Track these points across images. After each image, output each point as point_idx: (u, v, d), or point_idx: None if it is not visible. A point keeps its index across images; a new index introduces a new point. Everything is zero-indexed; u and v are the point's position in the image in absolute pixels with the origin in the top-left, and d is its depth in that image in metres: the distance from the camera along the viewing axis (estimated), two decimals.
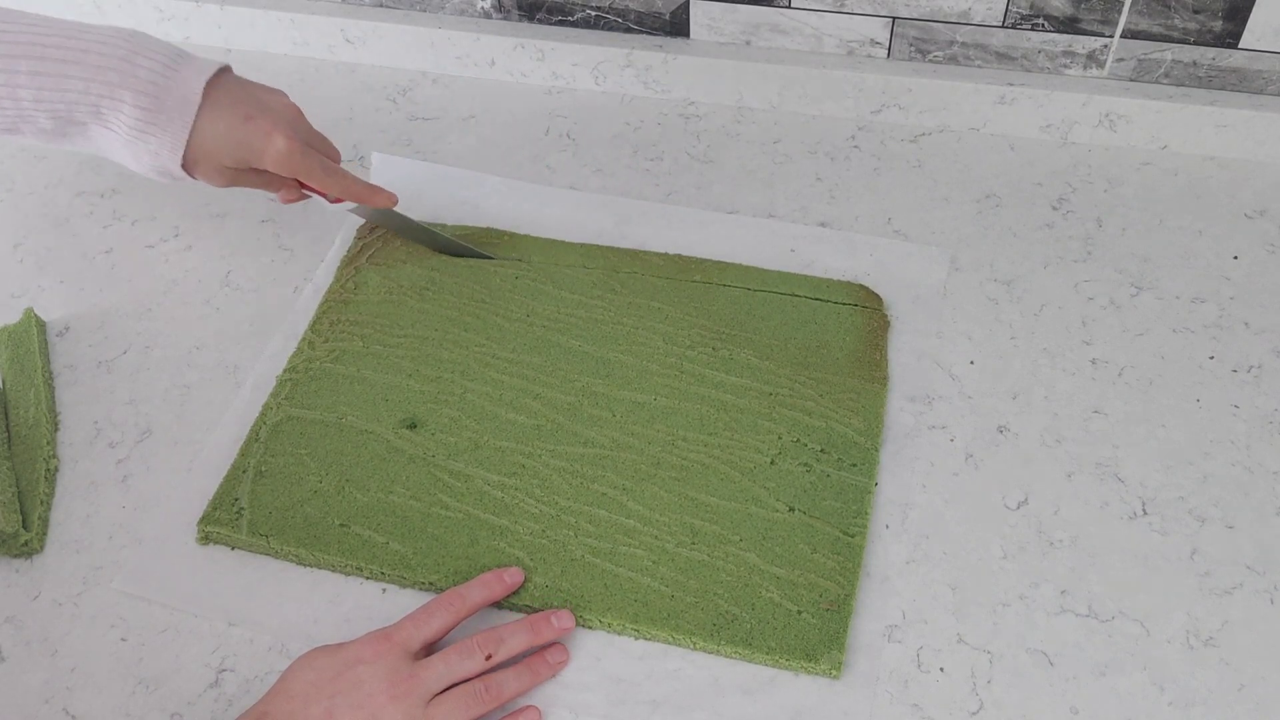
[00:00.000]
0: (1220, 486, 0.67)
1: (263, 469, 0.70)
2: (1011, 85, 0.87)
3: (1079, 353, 0.74)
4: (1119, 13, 0.83)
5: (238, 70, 0.75)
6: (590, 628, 0.63)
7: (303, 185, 0.76)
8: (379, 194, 0.76)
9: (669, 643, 0.62)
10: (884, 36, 0.89)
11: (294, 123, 0.73)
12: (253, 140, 0.71)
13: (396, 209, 0.79)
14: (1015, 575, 0.64)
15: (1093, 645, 0.61)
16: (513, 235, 0.83)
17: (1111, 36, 0.85)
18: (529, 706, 0.61)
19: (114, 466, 0.72)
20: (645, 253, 0.81)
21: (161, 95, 0.69)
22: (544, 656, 0.62)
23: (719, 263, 0.80)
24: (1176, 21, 0.83)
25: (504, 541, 0.66)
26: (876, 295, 0.77)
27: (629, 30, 0.94)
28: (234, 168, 0.73)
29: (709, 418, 0.71)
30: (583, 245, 0.82)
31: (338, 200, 0.76)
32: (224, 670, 0.63)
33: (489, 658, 0.60)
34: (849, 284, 0.77)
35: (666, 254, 0.81)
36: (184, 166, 0.72)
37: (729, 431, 0.70)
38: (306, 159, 0.72)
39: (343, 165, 0.77)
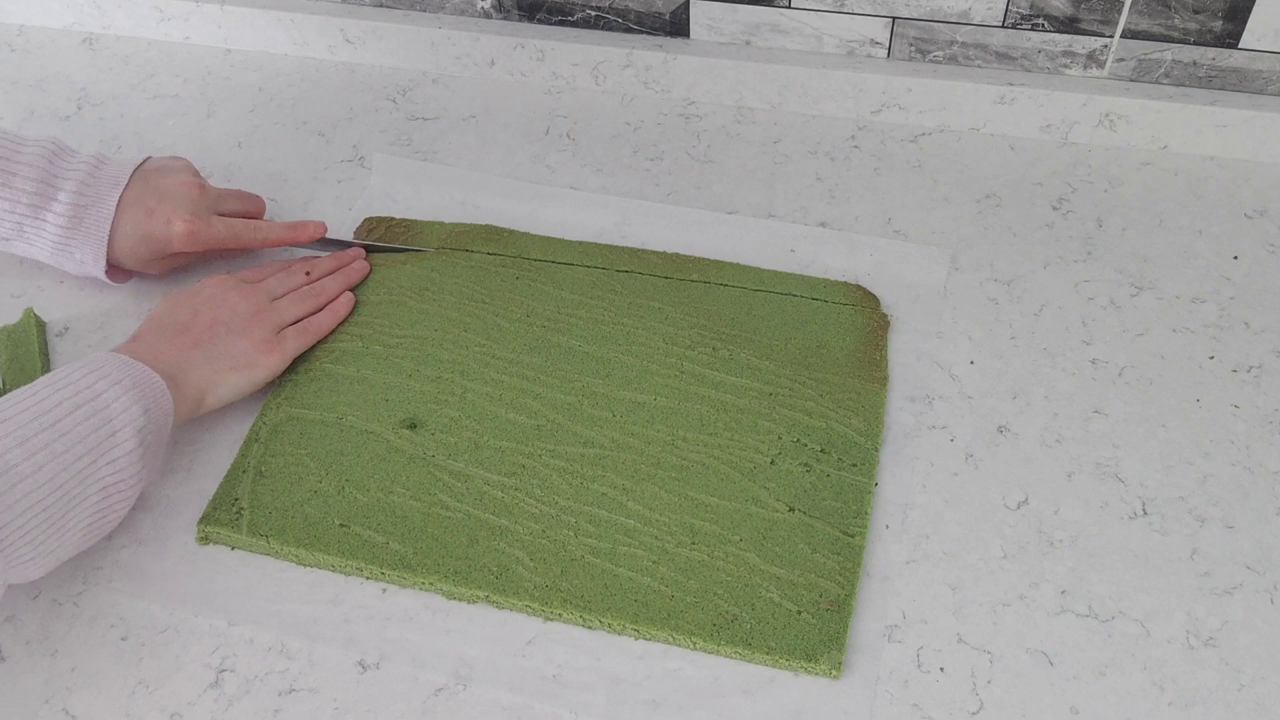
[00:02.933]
0: (1220, 486, 0.67)
1: (263, 469, 0.70)
2: (1011, 85, 0.87)
3: (1079, 353, 0.74)
4: (1119, 13, 0.83)
5: (237, 69, 0.76)
6: (590, 628, 0.63)
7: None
8: (303, 229, 0.81)
9: (669, 643, 0.62)
10: (884, 36, 0.89)
11: (193, 202, 0.77)
12: (156, 231, 0.76)
13: (330, 236, 0.83)
14: (1015, 575, 0.64)
15: (1093, 645, 0.61)
16: (511, 233, 0.83)
17: (1111, 36, 0.85)
18: (340, 289, 0.78)
19: None
20: (645, 251, 0.81)
21: (79, 214, 0.75)
22: (351, 265, 0.79)
23: (718, 262, 0.80)
24: (1176, 21, 0.83)
25: (504, 541, 0.66)
26: (874, 295, 0.77)
27: (629, 30, 0.94)
28: (157, 258, 0.78)
29: (709, 418, 0.71)
30: (581, 243, 0.82)
31: (298, 241, 0.82)
32: (224, 670, 0.63)
33: (308, 274, 0.78)
34: (847, 284, 0.77)
35: (666, 253, 0.81)
36: (109, 273, 0.78)
37: (729, 431, 0.70)
38: (211, 232, 0.78)
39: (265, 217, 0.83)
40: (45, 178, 0.75)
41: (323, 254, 0.81)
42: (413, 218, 0.85)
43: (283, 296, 0.76)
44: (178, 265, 0.81)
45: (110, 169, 0.77)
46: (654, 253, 0.81)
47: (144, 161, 0.78)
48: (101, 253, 0.76)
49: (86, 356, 0.65)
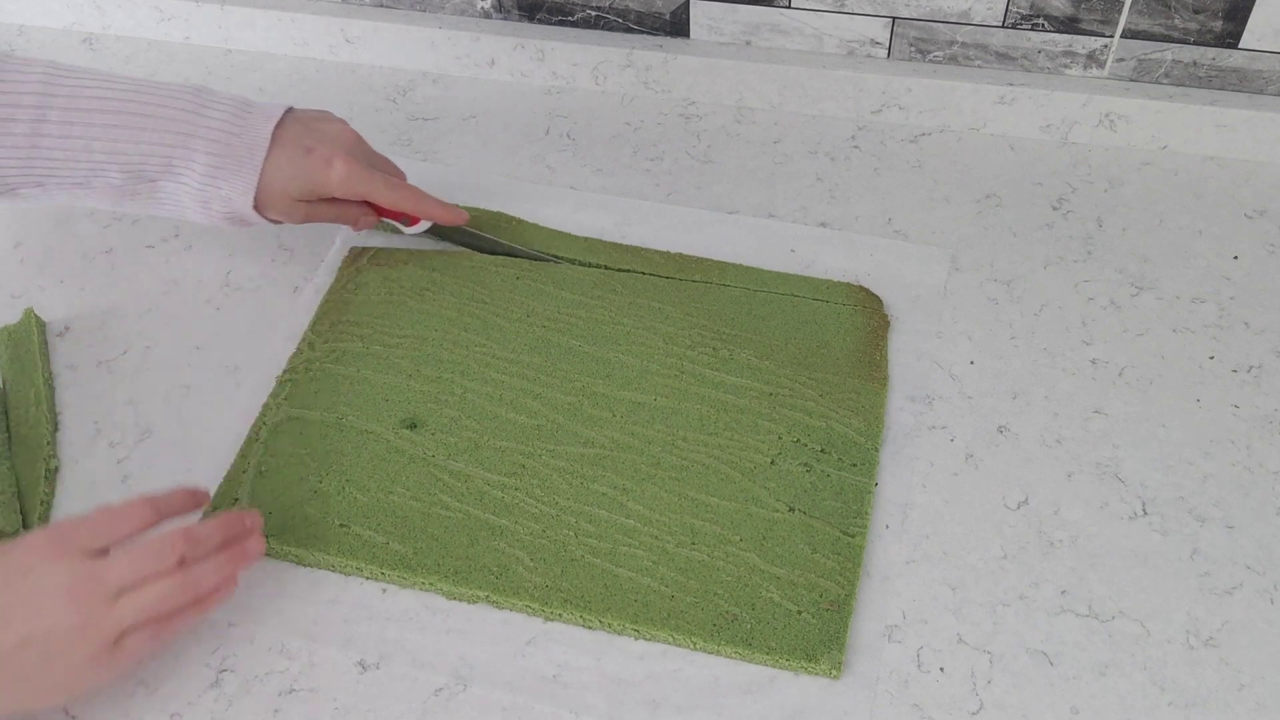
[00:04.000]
0: (1220, 486, 0.67)
1: (263, 469, 0.70)
2: (1011, 85, 0.87)
3: (1079, 353, 0.74)
4: (1119, 13, 0.83)
5: (237, 70, 0.75)
6: (590, 628, 0.63)
7: (377, 211, 0.78)
8: (449, 211, 0.78)
9: (669, 643, 0.62)
10: (884, 36, 0.89)
11: (353, 147, 0.75)
12: (315, 170, 0.73)
13: (468, 227, 0.81)
14: (1015, 575, 0.64)
15: (1093, 645, 0.61)
16: (520, 221, 0.83)
17: (1111, 36, 0.85)
18: (223, 580, 0.60)
19: (114, 466, 0.72)
20: (648, 251, 0.81)
21: (231, 142, 0.71)
22: (243, 546, 0.61)
23: (721, 263, 0.80)
24: (1176, 21, 0.83)
25: (504, 541, 0.66)
26: (876, 296, 0.77)
27: (629, 30, 0.94)
28: (304, 200, 0.74)
29: (709, 418, 0.71)
30: (586, 239, 0.82)
31: (413, 223, 0.79)
32: (224, 670, 0.63)
33: (182, 561, 0.58)
34: (849, 285, 0.77)
35: (669, 253, 0.81)
36: (256, 208, 0.73)
37: (729, 431, 0.70)
38: (369, 178, 0.74)
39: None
40: (195, 108, 0.71)
41: (200, 519, 0.67)
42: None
43: (133, 587, 0.57)
44: (321, 217, 0.76)
45: (261, 106, 0.73)
46: (657, 252, 0.81)
47: (290, 108, 0.75)
48: (252, 184, 0.71)
49: None
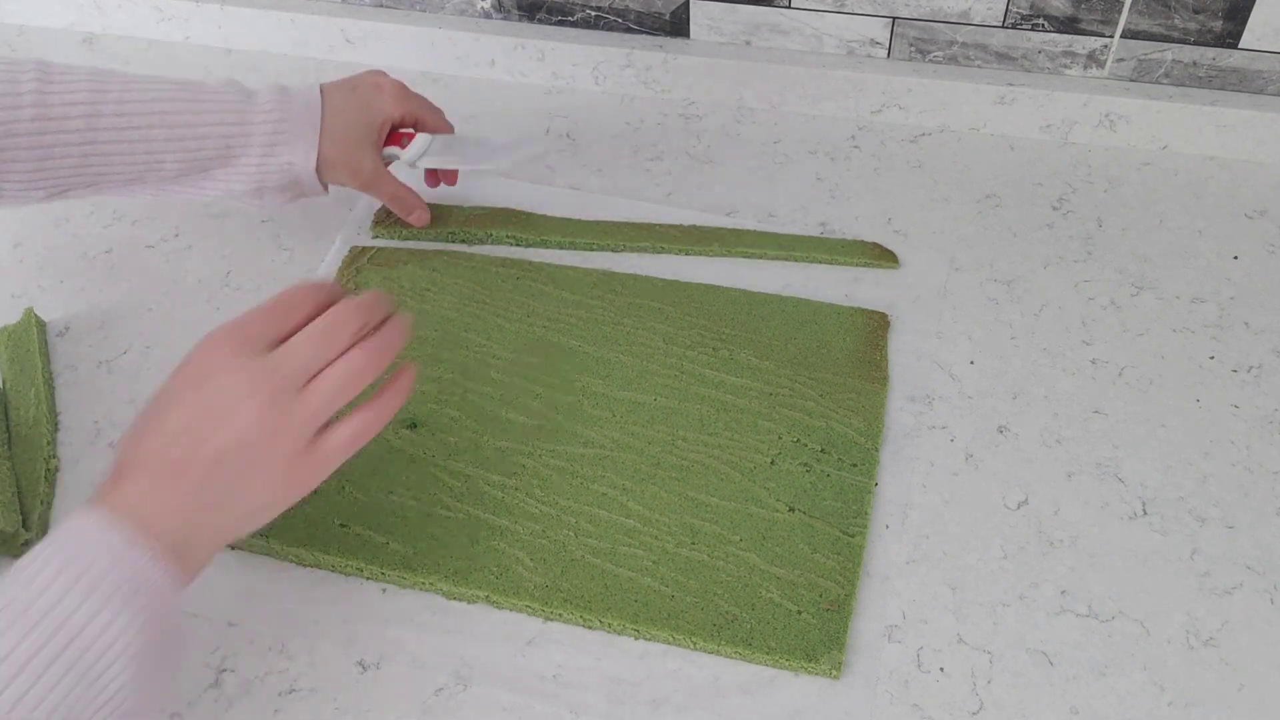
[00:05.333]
0: (1220, 486, 0.67)
1: None
2: (1011, 85, 0.87)
3: (1079, 353, 0.74)
4: (1119, 13, 0.83)
5: (237, 70, 0.76)
6: (590, 628, 0.63)
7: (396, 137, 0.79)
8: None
9: (669, 643, 0.62)
10: (884, 36, 0.89)
11: (392, 79, 0.79)
12: (368, 97, 0.76)
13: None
14: (1015, 575, 0.64)
15: (1093, 645, 0.61)
16: (529, 215, 0.84)
17: (1111, 36, 0.85)
18: (404, 366, 0.57)
19: None
20: (662, 226, 0.82)
21: (285, 114, 0.73)
22: (399, 316, 0.58)
23: (737, 230, 0.81)
24: (1176, 21, 0.83)
25: (504, 541, 0.66)
26: (891, 252, 0.79)
27: (629, 30, 0.94)
28: (368, 145, 0.76)
29: (709, 418, 0.71)
30: (599, 223, 0.83)
31: (409, 140, 0.79)
32: (224, 670, 0.63)
33: (359, 329, 0.55)
34: (863, 243, 0.80)
35: (681, 225, 0.82)
36: (317, 170, 0.74)
37: (729, 431, 0.70)
38: (419, 102, 0.79)
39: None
40: (242, 94, 0.73)
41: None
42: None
43: (318, 374, 0.54)
44: (378, 184, 0.78)
45: (299, 85, 0.76)
46: (672, 226, 0.81)
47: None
48: (314, 143, 0.73)
49: (64, 537, 0.50)
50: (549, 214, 0.84)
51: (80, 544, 0.49)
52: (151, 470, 0.52)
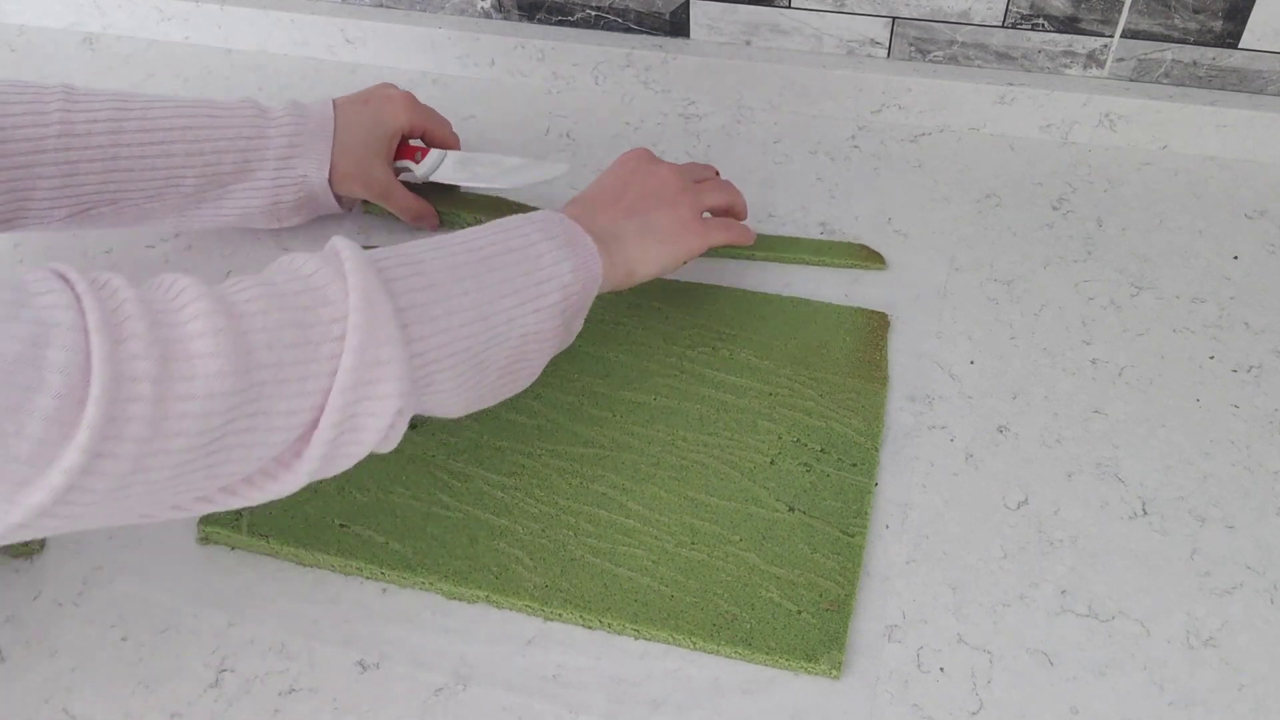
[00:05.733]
0: (1220, 486, 0.67)
1: None
2: (1011, 85, 0.87)
3: (1079, 353, 0.74)
4: (1119, 13, 0.83)
5: (237, 70, 0.76)
6: (590, 628, 0.63)
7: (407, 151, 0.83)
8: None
9: (669, 643, 0.62)
10: (884, 36, 0.89)
11: (401, 90, 0.83)
12: (379, 108, 0.80)
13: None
14: (1015, 575, 0.64)
15: (1093, 645, 0.61)
16: (523, 207, 0.84)
17: (1111, 36, 0.85)
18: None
19: None
20: None
21: (300, 127, 0.77)
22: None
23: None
24: (1176, 21, 0.83)
25: (504, 541, 0.66)
26: (878, 253, 0.80)
27: (629, 30, 0.94)
28: (380, 157, 0.79)
29: (709, 418, 0.71)
30: None
31: (423, 155, 0.83)
32: (224, 670, 0.63)
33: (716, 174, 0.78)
34: (850, 244, 0.80)
35: None
36: (331, 181, 0.78)
37: (729, 431, 0.70)
38: (428, 112, 0.82)
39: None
40: (258, 110, 0.77)
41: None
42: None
43: (700, 182, 0.74)
44: (392, 195, 0.81)
45: (311, 102, 0.79)
46: None
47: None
48: (327, 153, 0.77)
49: (529, 212, 0.65)
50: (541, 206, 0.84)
51: (538, 215, 0.65)
52: (592, 199, 0.70)
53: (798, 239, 0.81)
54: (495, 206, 0.84)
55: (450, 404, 0.59)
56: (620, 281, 0.68)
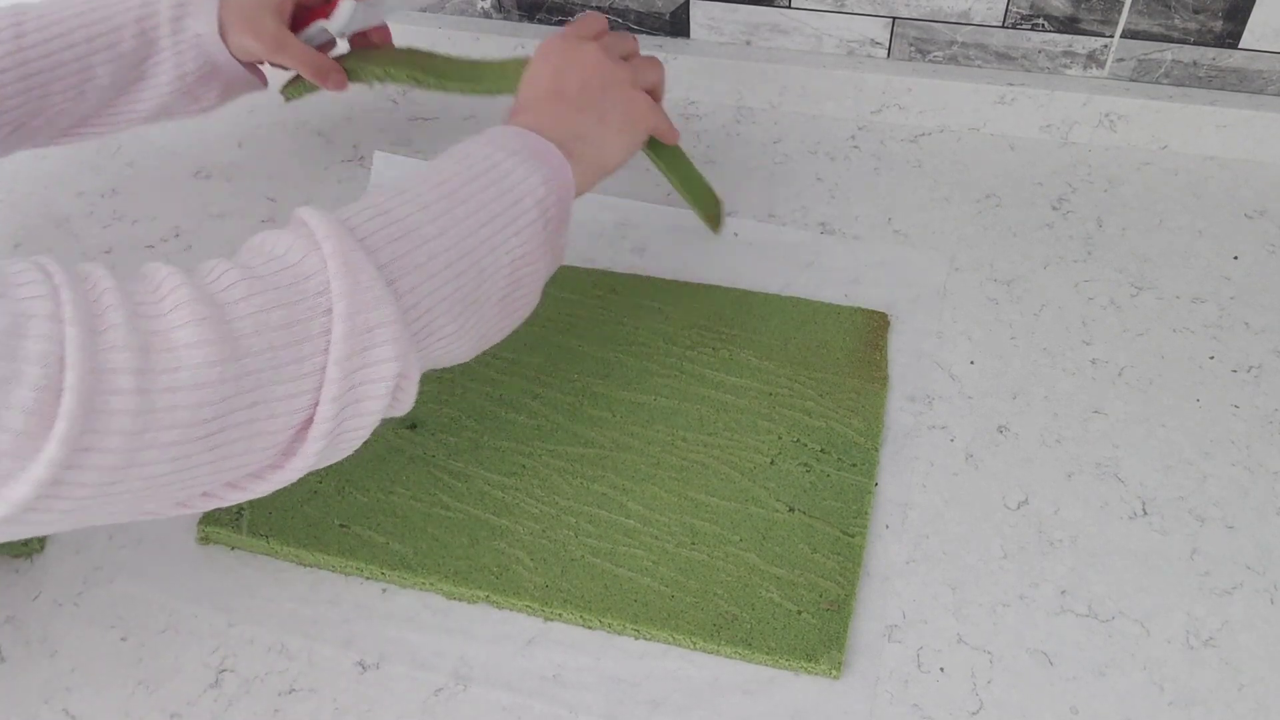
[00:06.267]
0: (1220, 486, 0.67)
1: None
2: (1011, 85, 0.87)
3: (1079, 353, 0.74)
4: (1119, 13, 0.83)
5: None
6: (590, 628, 0.63)
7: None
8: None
9: (669, 643, 0.62)
10: (884, 36, 0.89)
11: None
12: None
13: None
14: (1015, 575, 0.64)
15: (1093, 645, 0.61)
16: (431, 54, 0.82)
17: (1111, 36, 0.85)
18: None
19: None
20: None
21: None
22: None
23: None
24: (1176, 21, 0.83)
25: (504, 541, 0.66)
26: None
27: (629, 30, 0.94)
28: (267, 19, 0.76)
29: (709, 418, 0.71)
30: (500, 64, 0.80)
31: (333, 6, 0.79)
32: (224, 670, 0.63)
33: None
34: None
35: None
36: (221, 32, 0.76)
37: (729, 431, 0.70)
38: None
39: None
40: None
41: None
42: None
43: (627, 58, 0.71)
44: (285, 48, 0.77)
45: None
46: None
47: None
48: (214, 7, 0.75)
49: (481, 132, 0.63)
50: (454, 55, 0.82)
51: (492, 133, 0.62)
52: (534, 103, 0.67)
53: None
54: (408, 61, 0.82)
55: (457, 349, 0.58)
56: (594, 180, 0.66)
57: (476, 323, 0.58)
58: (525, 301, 0.62)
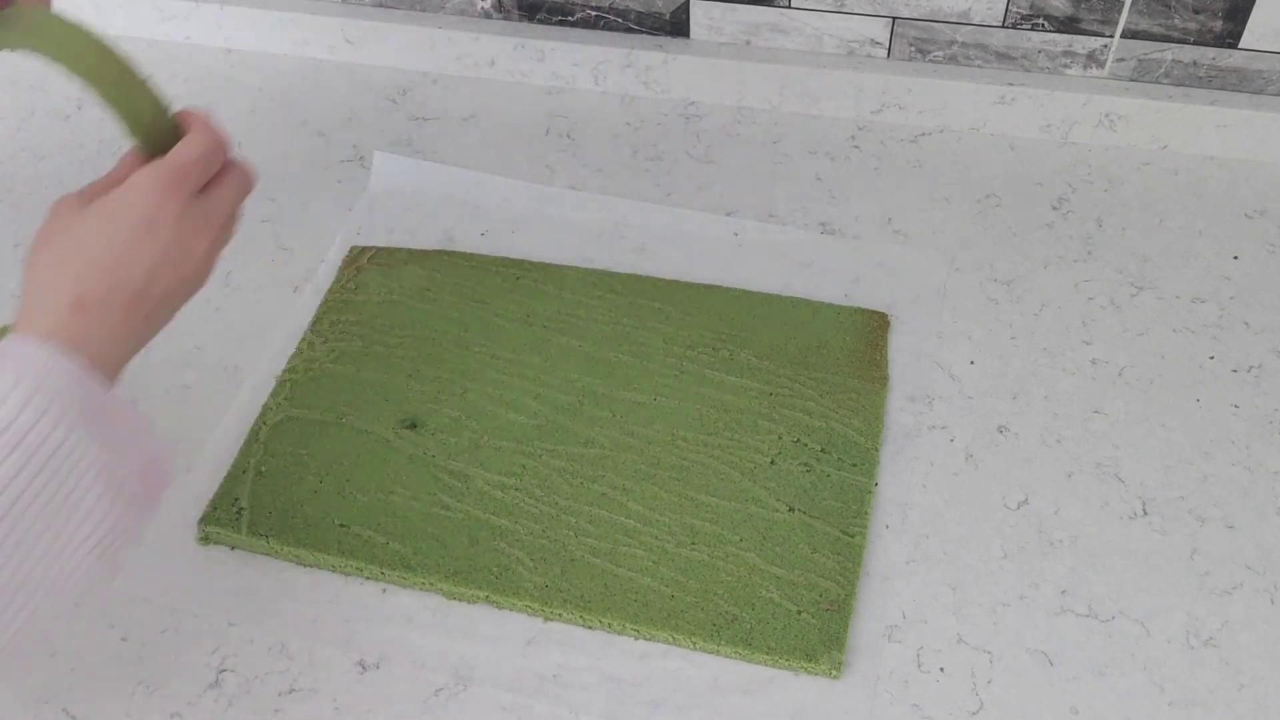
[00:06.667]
0: (1220, 486, 0.67)
1: (263, 469, 0.70)
2: (1011, 85, 0.87)
3: (1079, 353, 0.74)
4: (1119, 13, 0.83)
5: (237, 70, 0.74)
6: (590, 628, 0.63)
7: None
8: None
9: (669, 643, 0.62)
10: (884, 36, 0.89)
11: None
12: None
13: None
14: (1015, 575, 0.64)
15: (1093, 645, 0.61)
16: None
17: (1111, 36, 0.85)
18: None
19: None
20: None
21: None
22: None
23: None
24: (1176, 21, 0.83)
25: (504, 541, 0.66)
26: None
27: (629, 30, 0.94)
28: None
29: (709, 418, 0.71)
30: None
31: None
32: (224, 670, 0.63)
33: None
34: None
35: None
36: None
37: (729, 431, 0.70)
38: None
39: None
40: None
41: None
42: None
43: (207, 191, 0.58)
44: None
45: None
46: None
47: None
48: None
49: (25, 363, 0.51)
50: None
51: (44, 372, 0.50)
52: (104, 299, 0.54)
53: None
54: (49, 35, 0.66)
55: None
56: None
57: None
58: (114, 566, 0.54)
